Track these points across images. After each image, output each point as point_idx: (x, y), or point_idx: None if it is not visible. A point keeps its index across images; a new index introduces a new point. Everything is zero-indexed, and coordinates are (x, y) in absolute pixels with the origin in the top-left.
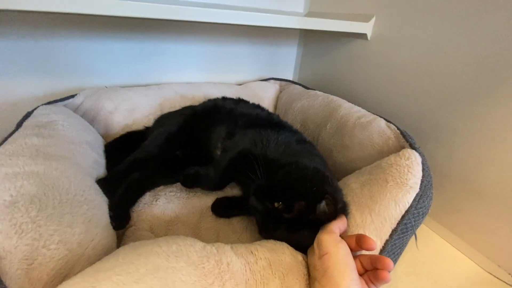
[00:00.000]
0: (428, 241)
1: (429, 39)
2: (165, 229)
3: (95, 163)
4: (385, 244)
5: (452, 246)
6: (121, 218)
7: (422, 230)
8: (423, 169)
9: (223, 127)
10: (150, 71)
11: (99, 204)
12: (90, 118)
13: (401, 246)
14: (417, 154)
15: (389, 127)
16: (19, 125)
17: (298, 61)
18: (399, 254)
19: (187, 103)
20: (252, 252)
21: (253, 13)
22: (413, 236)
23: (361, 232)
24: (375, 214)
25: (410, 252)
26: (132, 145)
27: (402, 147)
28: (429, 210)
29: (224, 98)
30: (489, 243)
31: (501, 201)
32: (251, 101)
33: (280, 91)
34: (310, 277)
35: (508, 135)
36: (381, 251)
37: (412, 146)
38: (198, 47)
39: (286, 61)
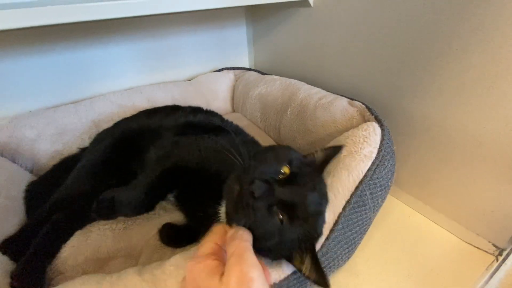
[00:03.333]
0: (401, 215)
1: None
2: (104, 269)
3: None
4: (338, 217)
5: (426, 218)
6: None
7: (394, 204)
8: (382, 140)
9: (153, 151)
10: (81, 84)
11: None
12: (12, 152)
13: (359, 222)
14: (376, 125)
15: (352, 104)
16: None
17: (250, 44)
18: (360, 232)
19: (128, 113)
20: None
21: None
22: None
23: None
24: (329, 186)
25: (384, 227)
26: (65, 174)
27: (367, 122)
28: (390, 184)
29: (149, 113)
30: (465, 211)
31: (472, 164)
32: (203, 97)
33: (236, 81)
34: None
35: (472, 91)
36: (335, 225)
37: (377, 119)
38: (132, 46)
39: (237, 47)
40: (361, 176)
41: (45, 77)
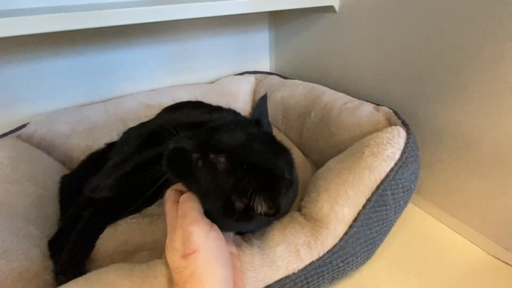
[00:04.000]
0: (423, 224)
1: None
2: (130, 261)
3: (39, 200)
4: (357, 215)
5: (450, 229)
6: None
7: (416, 213)
8: (407, 143)
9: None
10: (108, 84)
11: (26, 252)
12: (47, 146)
13: (380, 222)
14: (400, 129)
15: (377, 109)
16: None
17: (272, 49)
18: (380, 232)
19: (153, 112)
20: None
21: (207, 3)
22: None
23: (333, 203)
24: (348, 183)
25: (405, 236)
26: (95, 169)
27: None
28: (414, 187)
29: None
30: (493, 224)
31: (502, 175)
32: (224, 99)
33: (257, 84)
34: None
35: (505, 100)
36: (354, 221)
37: (404, 123)
38: (158, 49)
39: (259, 51)
40: (382, 175)
41: (77, 77)
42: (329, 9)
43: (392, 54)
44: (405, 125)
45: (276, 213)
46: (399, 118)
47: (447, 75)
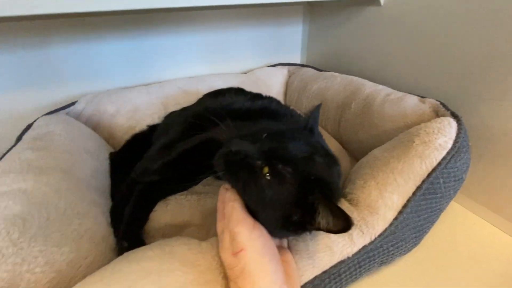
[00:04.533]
0: (465, 221)
1: None
2: (180, 234)
3: (96, 171)
4: (407, 201)
5: (495, 227)
6: (135, 243)
7: (457, 210)
8: (459, 133)
9: None
10: (150, 69)
11: (95, 216)
12: (94, 124)
13: (428, 210)
14: (451, 119)
15: (423, 101)
16: (18, 139)
17: (304, 41)
18: (428, 220)
19: (191, 98)
20: None
21: None
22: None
23: (382, 190)
24: (397, 171)
25: (447, 231)
26: (139, 149)
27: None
28: (465, 177)
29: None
30: None
31: None
32: (258, 90)
33: (289, 76)
34: (226, 277)
35: None
36: (403, 208)
37: (453, 114)
38: (197, 38)
39: (291, 44)
40: (434, 164)
41: (122, 61)
42: (374, 1)
43: (437, 49)
44: (455, 116)
45: (345, 229)
46: (448, 109)
47: (496, 74)
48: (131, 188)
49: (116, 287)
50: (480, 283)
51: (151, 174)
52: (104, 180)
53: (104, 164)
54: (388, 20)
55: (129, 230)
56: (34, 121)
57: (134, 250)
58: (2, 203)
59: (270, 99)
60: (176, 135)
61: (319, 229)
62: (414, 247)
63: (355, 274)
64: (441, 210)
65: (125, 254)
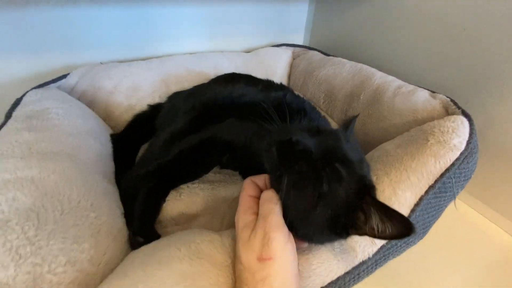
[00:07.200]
0: (469, 220)
1: None
2: (193, 223)
3: (100, 155)
4: (419, 200)
5: (495, 224)
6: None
7: (464, 209)
8: (471, 133)
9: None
10: (147, 40)
11: (108, 207)
12: (88, 101)
13: (436, 207)
14: (463, 118)
15: (434, 97)
16: (8, 116)
17: (309, 22)
18: (435, 217)
19: (194, 78)
20: None
21: None
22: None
23: (395, 187)
24: (411, 169)
25: (448, 224)
26: (142, 132)
27: (453, 115)
28: (471, 176)
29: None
30: None
31: None
32: (263, 70)
33: (294, 59)
34: (237, 277)
35: None
36: (416, 206)
37: (464, 113)
38: (198, 8)
39: (296, 23)
40: (448, 164)
41: (119, 29)
42: None
43: (450, 42)
44: (466, 115)
45: (404, 235)
46: (458, 107)
47: (506, 67)
48: (136, 182)
49: None
50: (479, 279)
51: (162, 166)
52: (109, 165)
53: (107, 147)
54: (399, 6)
55: (142, 225)
56: (24, 94)
57: (155, 246)
58: (9, 193)
59: (283, 88)
60: (184, 125)
61: (365, 234)
62: (418, 241)
63: (370, 272)
64: (446, 207)
65: (146, 250)
